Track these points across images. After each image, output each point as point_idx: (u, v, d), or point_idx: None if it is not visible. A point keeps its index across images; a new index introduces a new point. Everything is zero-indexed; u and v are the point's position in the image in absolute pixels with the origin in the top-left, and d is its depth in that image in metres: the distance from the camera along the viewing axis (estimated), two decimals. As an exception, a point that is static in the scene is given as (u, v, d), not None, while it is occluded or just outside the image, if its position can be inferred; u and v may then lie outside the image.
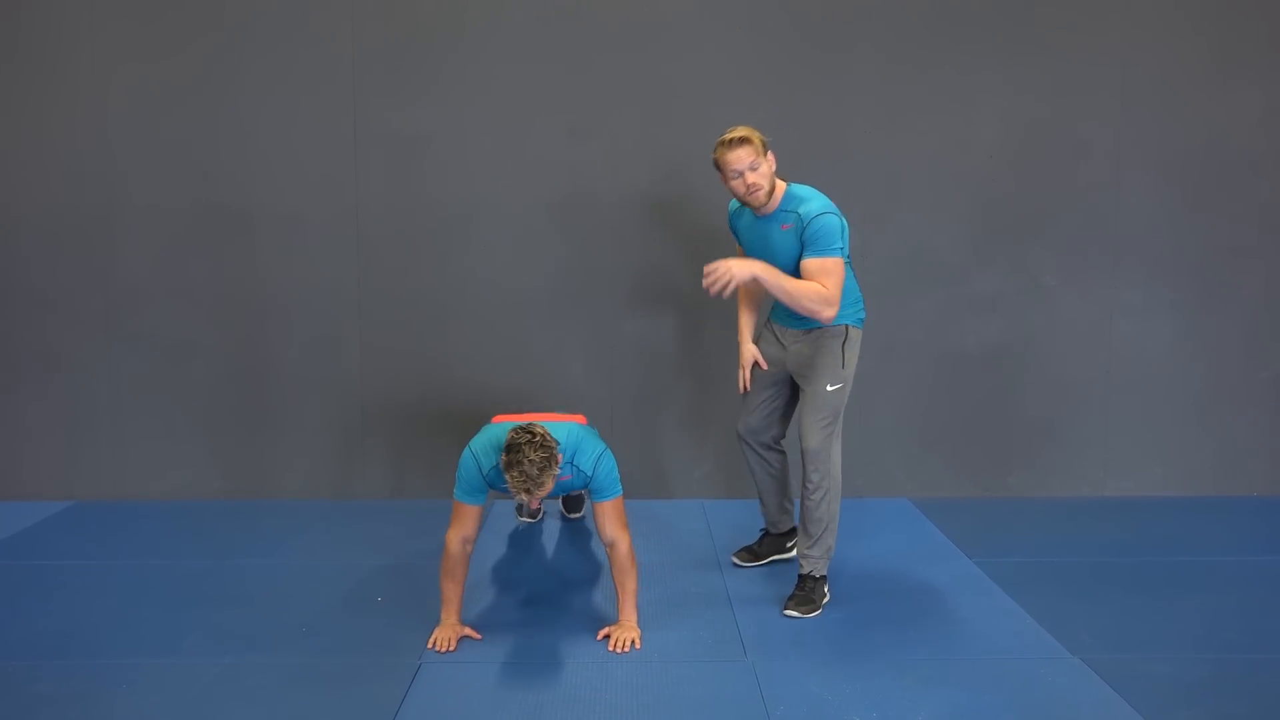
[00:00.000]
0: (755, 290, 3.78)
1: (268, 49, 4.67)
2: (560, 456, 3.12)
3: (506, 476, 3.06)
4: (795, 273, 3.46)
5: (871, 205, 4.73)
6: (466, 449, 3.33)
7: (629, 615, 3.36)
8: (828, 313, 3.39)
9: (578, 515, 4.51)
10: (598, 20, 4.68)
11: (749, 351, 3.79)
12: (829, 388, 3.54)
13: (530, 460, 3.02)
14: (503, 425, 3.32)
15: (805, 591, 3.58)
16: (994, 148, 4.76)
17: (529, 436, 3.06)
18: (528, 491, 3.05)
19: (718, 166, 3.46)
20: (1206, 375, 4.89)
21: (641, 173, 4.73)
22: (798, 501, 3.74)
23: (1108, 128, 4.76)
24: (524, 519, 4.47)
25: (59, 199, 4.72)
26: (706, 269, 3.32)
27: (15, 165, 4.71)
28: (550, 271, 4.79)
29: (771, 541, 4.04)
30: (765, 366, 3.75)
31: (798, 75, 4.71)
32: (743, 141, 3.38)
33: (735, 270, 3.31)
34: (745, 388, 3.81)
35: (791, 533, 4.00)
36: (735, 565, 4.01)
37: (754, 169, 3.40)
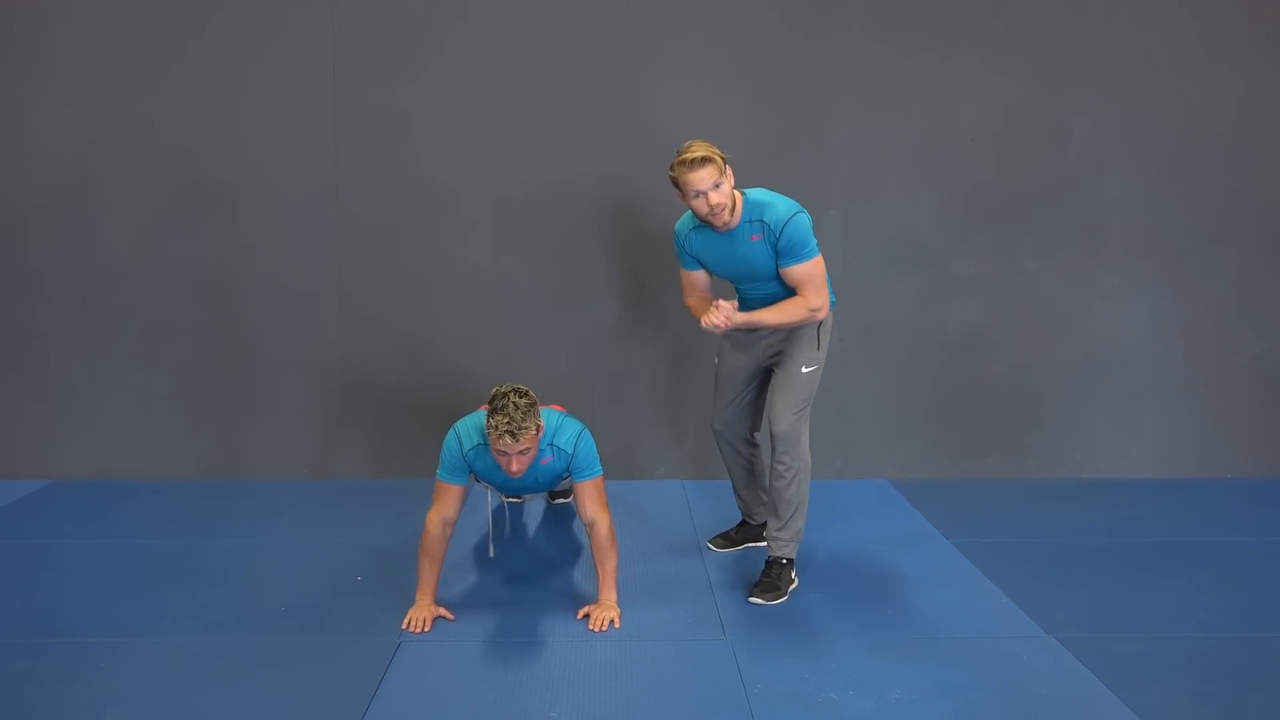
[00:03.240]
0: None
1: (246, 25, 4.63)
2: (543, 423, 3.17)
3: (490, 422, 3.08)
4: (772, 280, 3.46)
5: (852, 189, 4.74)
6: (452, 429, 3.37)
7: (609, 594, 3.38)
8: (819, 316, 3.43)
9: (564, 500, 4.50)
10: (581, 4, 4.65)
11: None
12: (804, 369, 3.52)
13: (514, 404, 3.07)
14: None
15: (771, 578, 3.56)
16: (975, 132, 4.77)
17: (513, 387, 3.13)
18: (512, 435, 3.05)
19: (676, 185, 3.35)
20: (1183, 358, 4.93)
21: (623, 155, 4.72)
22: None
23: (1088, 112, 4.77)
24: (508, 499, 4.47)
25: (35, 178, 4.68)
26: (705, 321, 3.37)
27: (-9, 142, 4.68)
28: (531, 253, 4.78)
29: (748, 530, 4.05)
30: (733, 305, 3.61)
31: (779, 59, 4.70)
32: (705, 161, 3.26)
33: (733, 317, 3.37)
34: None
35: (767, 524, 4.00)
36: (709, 550, 4.01)
37: (716, 188, 3.30)
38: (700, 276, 3.67)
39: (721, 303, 3.40)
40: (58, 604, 3.46)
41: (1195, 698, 2.88)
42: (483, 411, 3.34)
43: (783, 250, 3.37)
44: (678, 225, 3.63)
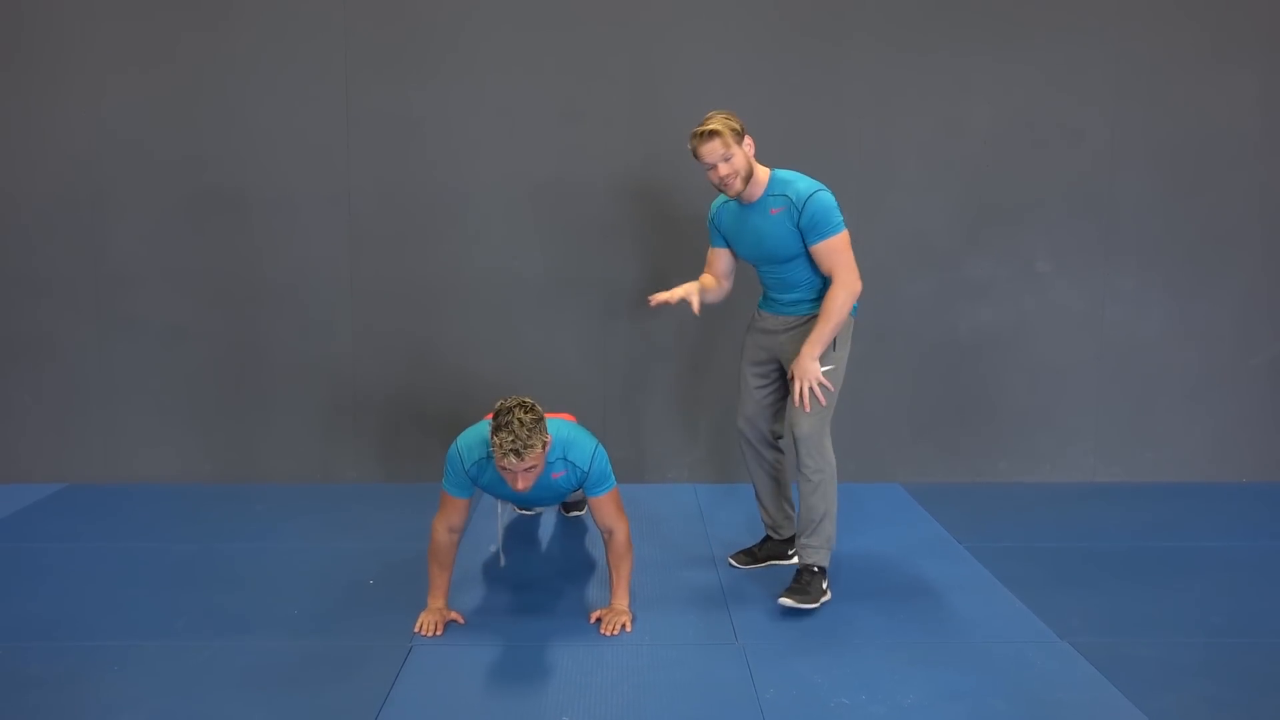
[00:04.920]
0: (711, 286, 3.66)
1: (259, 31, 4.64)
2: (549, 438, 3.09)
3: (494, 440, 2.99)
4: (791, 255, 3.43)
5: (864, 191, 4.73)
6: (454, 443, 3.31)
7: (621, 599, 3.37)
8: (856, 288, 3.40)
9: (578, 513, 4.45)
10: (591, 5, 4.66)
11: (689, 285, 3.56)
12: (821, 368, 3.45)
13: (519, 420, 2.97)
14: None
15: (801, 584, 3.48)
16: (987, 134, 4.76)
17: (518, 401, 3.04)
18: (516, 454, 2.96)
19: (694, 155, 3.39)
20: (1197, 361, 4.90)
21: (634, 157, 4.72)
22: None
23: (1101, 114, 4.76)
24: (522, 511, 4.44)
25: (50, 183, 4.70)
26: (795, 395, 3.41)
27: (6, 150, 4.68)
28: (543, 256, 4.79)
29: (773, 546, 3.92)
30: (696, 310, 3.53)
31: (791, 60, 4.70)
32: (713, 135, 3.30)
33: (815, 377, 3.39)
34: (659, 297, 3.56)
35: (793, 540, 3.86)
36: (731, 567, 3.88)
37: (726, 160, 3.32)
38: (722, 257, 3.67)
39: (803, 384, 3.41)
40: (71, 607, 3.47)
41: (1210, 703, 2.86)
42: (486, 423, 3.27)
43: (806, 227, 3.36)
44: (714, 201, 3.67)
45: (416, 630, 3.26)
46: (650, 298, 3.60)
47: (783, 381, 3.70)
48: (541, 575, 3.83)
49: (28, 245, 4.73)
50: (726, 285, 3.72)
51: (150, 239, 4.74)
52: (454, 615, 3.34)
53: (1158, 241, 4.83)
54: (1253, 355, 4.91)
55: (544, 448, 3.04)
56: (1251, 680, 2.99)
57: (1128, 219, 4.81)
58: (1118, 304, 4.86)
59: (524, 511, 4.42)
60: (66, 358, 4.79)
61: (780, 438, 3.77)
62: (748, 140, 3.38)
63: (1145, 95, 4.75)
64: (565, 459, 3.26)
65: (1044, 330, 4.87)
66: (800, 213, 3.35)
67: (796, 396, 3.42)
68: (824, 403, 3.44)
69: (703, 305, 3.60)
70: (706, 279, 3.69)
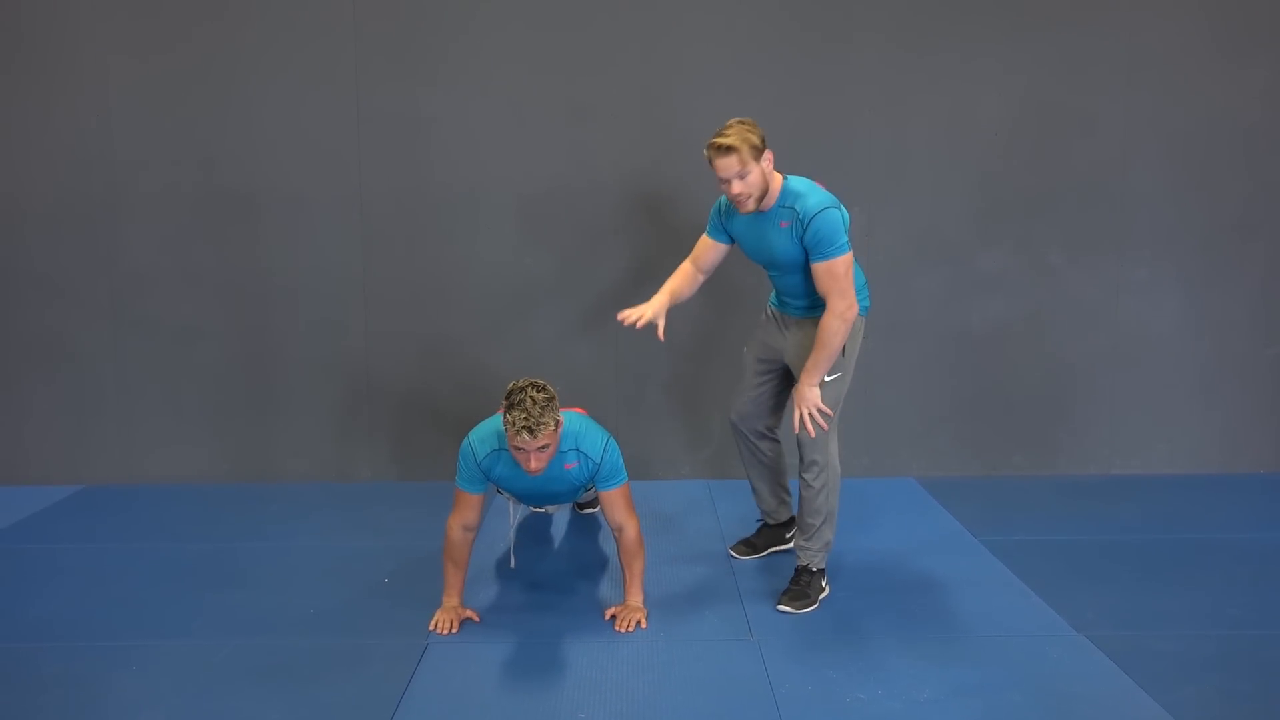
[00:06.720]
0: (683, 289, 3.63)
1: (269, 33, 4.66)
2: (562, 418, 3.10)
3: (507, 419, 3.00)
4: (798, 268, 3.37)
5: (875, 185, 4.72)
6: (466, 438, 3.32)
7: (635, 596, 3.38)
8: (850, 315, 3.30)
9: (592, 510, 4.45)
10: (601, 3, 4.66)
11: (658, 304, 3.56)
12: (826, 378, 3.40)
13: (532, 399, 2.99)
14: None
15: (800, 586, 3.49)
16: (998, 126, 4.74)
17: (530, 381, 3.05)
18: (530, 430, 2.97)
19: (710, 164, 3.29)
20: (1212, 352, 4.88)
21: (644, 155, 4.72)
22: (795, 488, 3.69)
23: (1113, 105, 4.73)
24: (536, 511, 4.43)
25: (64, 185, 4.73)
26: (800, 427, 3.38)
27: (20, 152, 4.71)
28: (554, 253, 4.79)
29: (770, 533, 3.95)
30: (661, 336, 3.56)
31: (800, 55, 4.69)
32: (729, 150, 3.18)
33: (814, 404, 3.36)
34: (625, 318, 3.58)
35: (790, 523, 3.92)
36: (732, 558, 3.92)
37: (741, 178, 3.22)
38: (713, 250, 3.59)
39: (805, 413, 3.39)
40: (88, 608, 3.49)
41: (1226, 695, 2.86)
42: (497, 417, 3.28)
43: (809, 244, 3.28)
44: (722, 196, 3.54)
45: (432, 628, 3.27)
46: (620, 315, 3.55)
47: (779, 378, 3.68)
48: (555, 573, 3.84)
49: (41, 248, 4.76)
50: (702, 278, 3.65)
51: (163, 240, 4.76)
52: (469, 613, 3.35)
53: (1171, 232, 4.81)
54: (1267, 345, 4.88)
55: (556, 426, 3.05)
56: (1269, 672, 2.98)
57: (1140, 210, 4.79)
58: (1131, 295, 4.84)
59: (537, 510, 4.42)
60: (81, 360, 4.82)
61: (776, 427, 3.76)
62: (767, 155, 3.27)
63: (1158, 85, 4.73)
64: (578, 449, 3.28)
65: (1057, 322, 4.85)
66: (805, 230, 3.27)
67: (797, 423, 3.39)
68: (825, 428, 3.41)
69: (679, 302, 3.62)
70: (680, 281, 3.61)
